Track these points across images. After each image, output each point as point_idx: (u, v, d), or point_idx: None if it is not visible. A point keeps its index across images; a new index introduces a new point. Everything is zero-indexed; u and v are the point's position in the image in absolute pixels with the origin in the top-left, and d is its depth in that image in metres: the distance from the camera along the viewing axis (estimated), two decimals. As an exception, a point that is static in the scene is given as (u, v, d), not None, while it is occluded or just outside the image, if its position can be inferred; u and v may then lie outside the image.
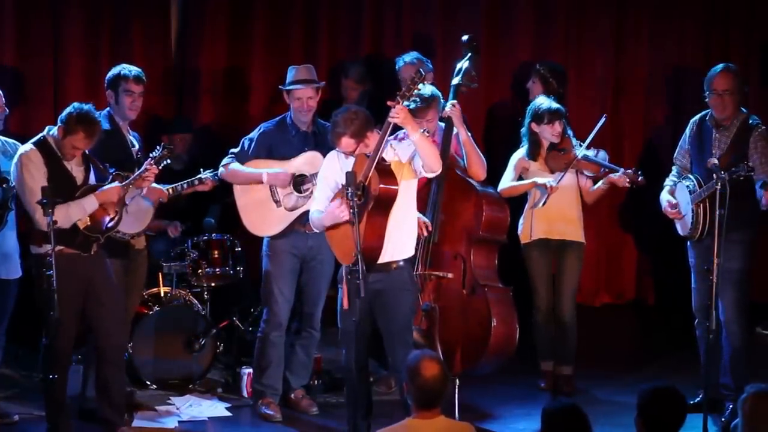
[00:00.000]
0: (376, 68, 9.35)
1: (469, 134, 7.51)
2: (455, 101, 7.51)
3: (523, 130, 7.94)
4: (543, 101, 7.91)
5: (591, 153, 7.80)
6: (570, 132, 7.91)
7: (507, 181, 7.87)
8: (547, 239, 7.91)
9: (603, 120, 7.85)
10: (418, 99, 7.03)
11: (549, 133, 7.82)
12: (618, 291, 10.47)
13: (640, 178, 7.64)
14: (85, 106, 6.78)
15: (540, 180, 7.77)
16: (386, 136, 6.45)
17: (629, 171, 7.67)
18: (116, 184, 6.87)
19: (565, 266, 7.93)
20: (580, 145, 7.80)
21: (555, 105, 7.86)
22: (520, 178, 7.88)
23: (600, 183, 7.84)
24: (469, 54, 7.73)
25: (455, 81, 7.65)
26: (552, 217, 7.87)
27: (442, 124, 7.49)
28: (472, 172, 7.50)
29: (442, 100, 7.44)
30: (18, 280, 7.45)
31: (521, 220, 7.97)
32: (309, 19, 9.71)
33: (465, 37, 7.82)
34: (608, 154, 7.97)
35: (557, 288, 7.98)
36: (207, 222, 8.59)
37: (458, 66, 7.73)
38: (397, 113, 6.39)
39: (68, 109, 6.78)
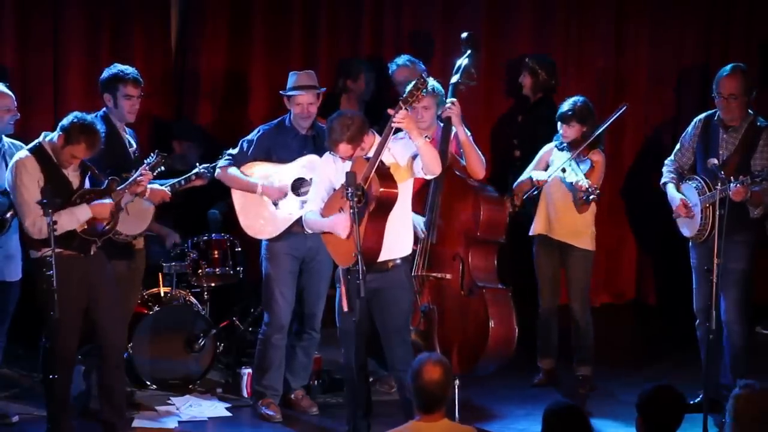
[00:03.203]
0: (376, 69, 9.34)
1: (468, 133, 7.45)
2: (454, 99, 7.41)
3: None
4: (567, 101, 7.88)
5: (568, 163, 7.69)
6: (601, 147, 7.81)
7: (524, 173, 7.93)
8: (549, 237, 7.91)
9: (622, 109, 7.81)
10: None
11: (561, 132, 7.84)
12: (618, 291, 10.47)
13: (591, 196, 7.55)
14: (88, 117, 6.73)
15: (534, 174, 7.80)
16: (387, 141, 6.44)
17: (587, 183, 7.59)
18: (109, 200, 6.80)
19: (570, 270, 7.96)
20: (601, 150, 7.80)
21: (568, 108, 7.78)
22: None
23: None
24: (469, 51, 7.64)
25: (454, 79, 7.55)
26: (552, 217, 7.89)
27: (441, 123, 7.45)
28: (471, 171, 7.44)
29: (442, 98, 7.39)
30: (19, 282, 7.45)
31: None
32: (309, 19, 9.70)
33: (464, 34, 7.73)
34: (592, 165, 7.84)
35: (567, 290, 8.01)
36: (212, 214, 8.56)
37: (458, 63, 7.64)
38: (401, 119, 6.39)
39: (70, 118, 6.69)
